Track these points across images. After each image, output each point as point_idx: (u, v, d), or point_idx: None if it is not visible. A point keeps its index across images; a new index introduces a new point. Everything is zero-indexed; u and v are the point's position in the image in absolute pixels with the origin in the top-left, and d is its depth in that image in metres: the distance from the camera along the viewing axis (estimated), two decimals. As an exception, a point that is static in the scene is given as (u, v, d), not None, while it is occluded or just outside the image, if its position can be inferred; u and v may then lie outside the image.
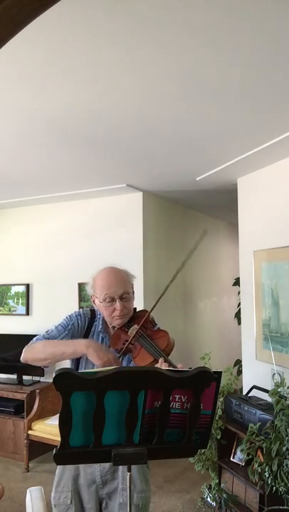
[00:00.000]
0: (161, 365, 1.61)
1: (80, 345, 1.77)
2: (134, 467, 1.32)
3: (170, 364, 1.62)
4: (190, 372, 1.26)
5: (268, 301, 3.44)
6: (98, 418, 1.23)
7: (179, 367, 1.56)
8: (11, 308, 5.09)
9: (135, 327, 1.83)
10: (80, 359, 1.90)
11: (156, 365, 1.63)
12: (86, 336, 1.92)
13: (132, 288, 1.94)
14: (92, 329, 1.95)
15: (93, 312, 1.99)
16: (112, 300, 1.85)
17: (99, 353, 1.72)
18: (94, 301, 1.93)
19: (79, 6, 1.57)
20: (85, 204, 4.75)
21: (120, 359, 1.80)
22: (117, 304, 1.84)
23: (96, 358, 1.72)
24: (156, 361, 1.69)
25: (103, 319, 1.95)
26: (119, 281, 1.87)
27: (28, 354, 1.85)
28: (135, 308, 1.97)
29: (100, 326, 1.94)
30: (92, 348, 1.74)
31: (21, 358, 1.87)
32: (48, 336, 1.89)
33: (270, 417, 2.68)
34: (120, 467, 1.80)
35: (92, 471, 1.83)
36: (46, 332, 1.91)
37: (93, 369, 1.84)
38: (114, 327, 1.92)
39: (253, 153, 3.19)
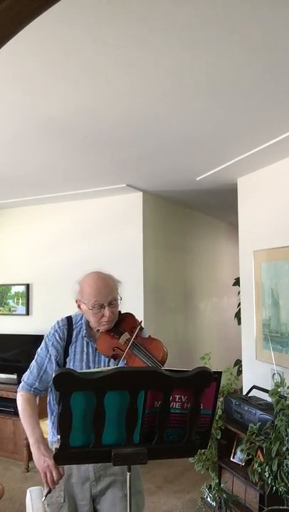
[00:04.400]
0: None
1: (30, 443, 1.86)
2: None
3: None
4: (190, 372, 1.26)
5: (268, 301, 3.44)
6: (98, 418, 1.23)
7: None
8: (11, 308, 5.09)
9: (126, 335, 1.83)
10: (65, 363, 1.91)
11: None
12: (68, 345, 1.92)
13: (118, 293, 1.93)
14: (73, 337, 1.93)
15: (69, 319, 1.98)
16: (101, 307, 1.84)
17: (39, 461, 1.82)
18: (80, 305, 1.91)
19: (76, 7, 1.57)
20: (84, 204, 4.75)
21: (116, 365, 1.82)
22: (106, 311, 1.83)
23: (36, 462, 1.82)
24: None
25: (86, 324, 1.93)
26: (108, 288, 1.87)
27: (18, 404, 1.99)
28: (119, 312, 1.95)
29: (84, 331, 1.92)
30: (34, 452, 1.83)
31: None
32: (30, 381, 1.98)
33: (270, 417, 2.68)
34: None
35: (85, 468, 1.85)
36: (29, 371, 1.97)
37: (93, 369, 1.85)
38: (98, 330, 1.91)
39: (253, 153, 3.19)
